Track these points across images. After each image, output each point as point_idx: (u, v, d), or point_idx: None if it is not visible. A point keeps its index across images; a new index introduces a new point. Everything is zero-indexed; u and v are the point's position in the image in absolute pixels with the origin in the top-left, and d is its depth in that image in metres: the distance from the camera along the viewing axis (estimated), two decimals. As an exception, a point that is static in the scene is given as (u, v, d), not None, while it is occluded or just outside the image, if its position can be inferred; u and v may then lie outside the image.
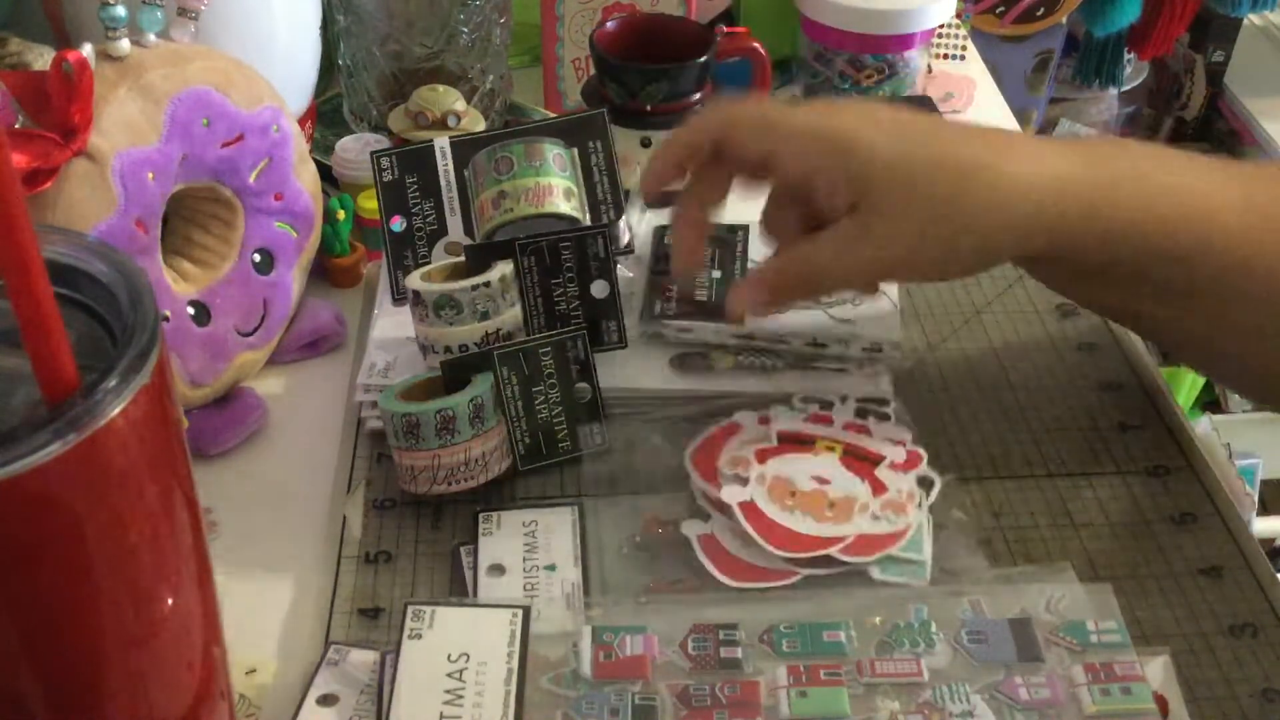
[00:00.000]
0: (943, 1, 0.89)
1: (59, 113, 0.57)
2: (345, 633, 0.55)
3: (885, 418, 0.63)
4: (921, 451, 0.61)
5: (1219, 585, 0.57)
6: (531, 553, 0.57)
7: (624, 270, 0.70)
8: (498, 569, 0.56)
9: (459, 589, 0.56)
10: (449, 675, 0.51)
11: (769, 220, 0.62)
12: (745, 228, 0.72)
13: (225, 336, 0.66)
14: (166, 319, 0.63)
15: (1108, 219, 0.55)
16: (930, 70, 0.98)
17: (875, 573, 0.56)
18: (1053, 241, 0.55)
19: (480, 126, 0.78)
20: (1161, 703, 0.51)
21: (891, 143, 0.55)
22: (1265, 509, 1.57)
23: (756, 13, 0.99)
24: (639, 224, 0.74)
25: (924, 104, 0.92)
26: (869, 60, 0.90)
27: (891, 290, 0.69)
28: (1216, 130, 1.63)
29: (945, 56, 1.01)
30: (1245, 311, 0.56)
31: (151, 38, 0.62)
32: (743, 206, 0.63)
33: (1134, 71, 1.60)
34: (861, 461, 0.60)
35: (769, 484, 0.58)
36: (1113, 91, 1.59)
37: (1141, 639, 0.53)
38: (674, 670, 0.52)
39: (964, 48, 1.02)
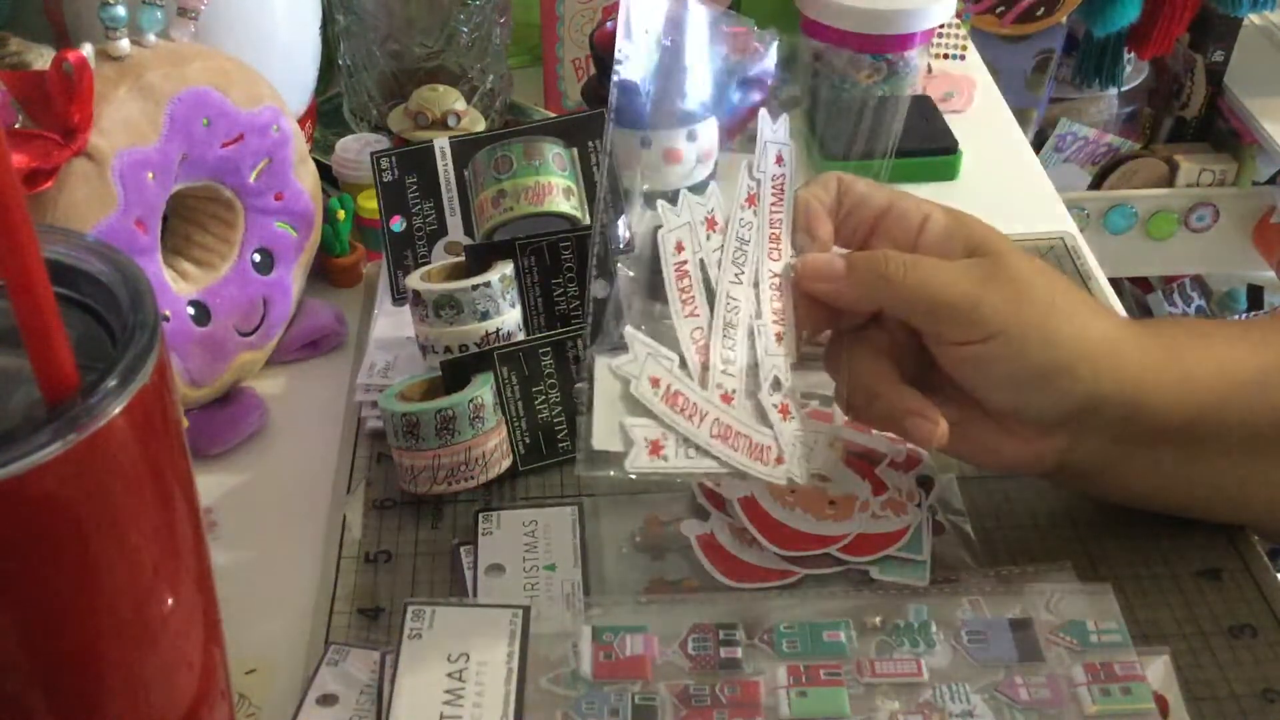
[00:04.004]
0: (943, 1, 0.89)
1: (59, 113, 0.57)
2: (345, 633, 0.55)
3: None
4: (921, 451, 0.61)
5: (1219, 586, 0.57)
6: (531, 553, 0.57)
7: (624, 270, 0.70)
8: (498, 569, 0.56)
9: (459, 589, 0.56)
10: (449, 675, 0.51)
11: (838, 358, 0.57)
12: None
13: (225, 336, 0.66)
14: (166, 319, 0.63)
15: (1191, 374, 0.54)
16: (930, 70, 0.98)
17: (875, 573, 0.56)
18: (1124, 381, 0.53)
19: (480, 126, 0.78)
20: (1161, 703, 0.51)
21: (1010, 244, 0.55)
22: (1265, 509, 1.57)
23: (756, 13, 0.99)
24: (639, 224, 0.74)
25: (924, 104, 0.93)
26: (869, 60, 0.90)
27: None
28: (1216, 130, 1.62)
29: (945, 56, 1.01)
30: None
31: (151, 38, 0.62)
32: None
33: (1134, 71, 1.59)
34: (861, 460, 0.60)
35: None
36: (1113, 91, 1.59)
37: (1141, 639, 0.53)
38: (674, 670, 0.52)
39: (964, 48, 1.02)
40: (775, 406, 0.55)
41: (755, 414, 0.54)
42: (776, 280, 0.56)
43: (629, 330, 0.53)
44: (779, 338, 0.55)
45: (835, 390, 0.57)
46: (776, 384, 0.55)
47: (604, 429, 0.51)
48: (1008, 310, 0.52)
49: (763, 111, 0.59)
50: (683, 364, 0.54)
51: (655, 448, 0.52)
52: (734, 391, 0.54)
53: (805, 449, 0.55)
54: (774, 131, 0.58)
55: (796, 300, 0.56)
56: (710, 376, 0.54)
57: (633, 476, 0.51)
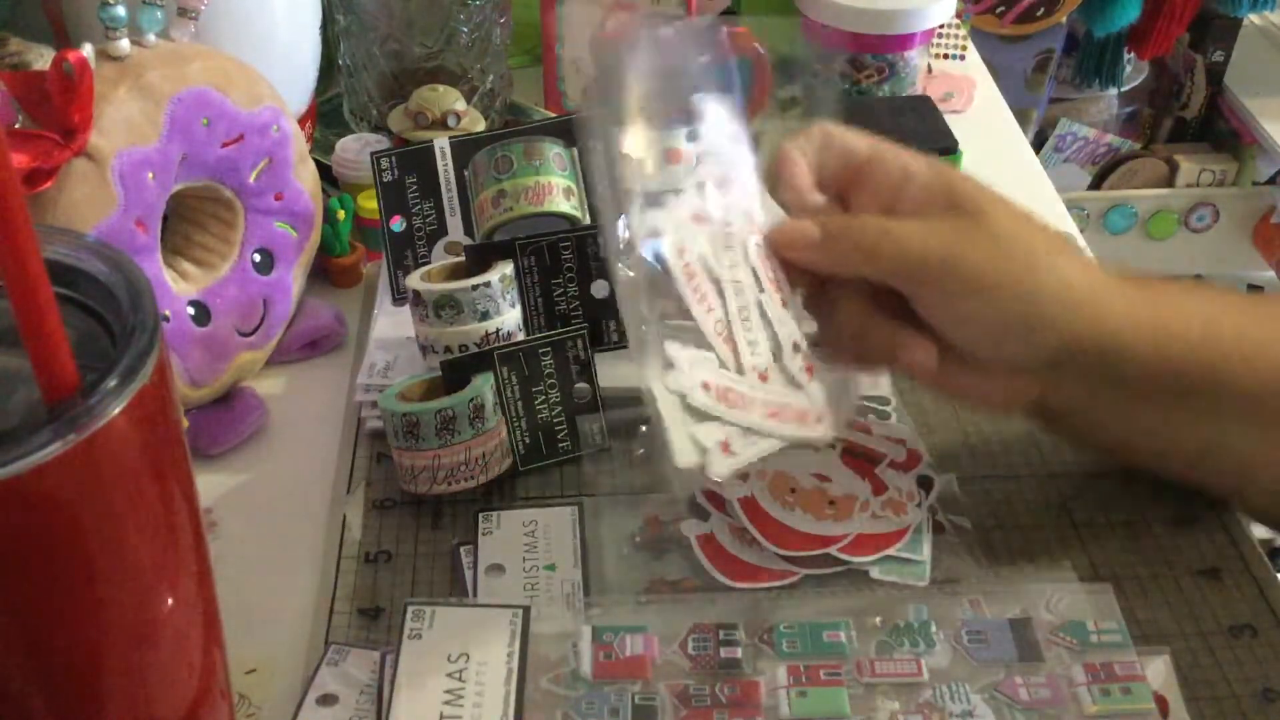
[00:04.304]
0: (943, 1, 0.89)
1: (59, 113, 0.57)
2: (345, 633, 0.55)
3: (885, 416, 0.63)
4: (921, 451, 0.61)
5: (1219, 586, 0.57)
6: (531, 553, 0.57)
7: (624, 270, 0.70)
8: (498, 569, 0.57)
9: (459, 589, 0.56)
10: (449, 675, 0.51)
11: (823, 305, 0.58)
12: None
13: (225, 336, 0.66)
14: (166, 319, 0.63)
15: (1169, 328, 0.54)
16: (930, 70, 0.98)
17: (875, 573, 0.56)
18: (1103, 334, 0.53)
19: (480, 126, 0.78)
20: (1161, 703, 0.51)
21: (989, 191, 0.55)
22: (1265, 509, 1.57)
23: (756, 13, 0.99)
24: (639, 224, 0.74)
25: (924, 104, 0.93)
26: (869, 60, 0.90)
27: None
28: (1216, 130, 1.62)
29: (945, 56, 1.01)
30: None
31: (151, 38, 0.62)
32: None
33: (1134, 71, 1.60)
34: (861, 460, 0.60)
35: (769, 480, 0.58)
36: (1113, 91, 1.59)
37: (1141, 639, 0.53)
38: (674, 670, 0.52)
39: (964, 48, 1.02)
40: (802, 369, 0.55)
41: (787, 382, 0.55)
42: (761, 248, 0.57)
43: (670, 346, 0.53)
44: (783, 303, 0.56)
45: (817, 331, 0.57)
46: (795, 347, 0.56)
47: (681, 447, 0.51)
48: (987, 268, 0.52)
49: (696, 97, 0.59)
50: (720, 361, 0.54)
51: (725, 447, 0.52)
52: (766, 368, 0.55)
53: (833, 400, 0.56)
54: (715, 112, 0.59)
55: (778, 264, 0.57)
56: (743, 361, 0.54)
57: (719, 480, 0.52)
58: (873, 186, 0.56)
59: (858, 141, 0.57)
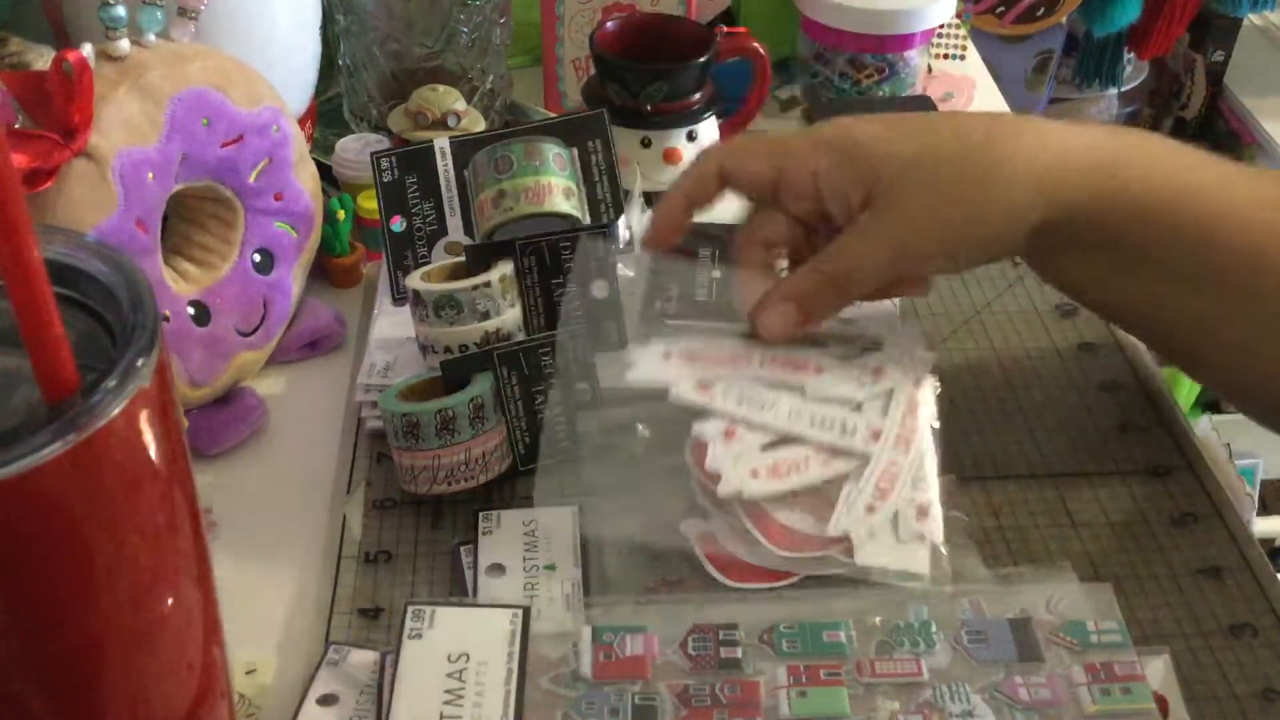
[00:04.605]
0: (943, 1, 0.89)
1: (59, 113, 0.57)
2: (345, 633, 0.55)
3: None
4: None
5: (1219, 585, 0.57)
6: (531, 553, 0.57)
7: (624, 270, 0.70)
8: (498, 569, 0.56)
9: (459, 589, 0.56)
10: (449, 675, 0.51)
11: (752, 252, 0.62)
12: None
13: (225, 336, 0.66)
14: (166, 319, 0.63)
15: (1114, 190, 0.56)
16: (930, 70, 0.98)
17: (875, 573, 0.56)
18: (1053, 212, 0.56)
19: (480, 126, 0.78)
20: (1161, 703, 0.51)
21: (892, 136, 0.57)
22: (1265, 509, 1.57)
23: (756, 13, 0.99)
24: (639, 224, 0.74)
25: (924, 104, 0.93)
26: (869, 60, 0.90)
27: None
28: (1216, 130, 1.62)
29: (945, 56, 1.01)
30: (1248, 304, 0.56)
31: (151, 38, 0.62)
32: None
33: (1134, 71, 1.60)
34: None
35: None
36: (1113, 91, 1.59)
37: (1141, 639, 0.53)
38: (674, 670, 0.52)
39: (964, 48, 1.02)
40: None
41: None
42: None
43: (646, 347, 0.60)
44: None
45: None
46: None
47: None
48: (943, 221, 0.56)
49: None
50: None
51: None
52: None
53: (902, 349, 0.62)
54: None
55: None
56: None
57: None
58: (790, 202, 0.59)
59: (761, 166, 0.59)
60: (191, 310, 0.65)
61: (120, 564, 0.37)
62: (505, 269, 0.62)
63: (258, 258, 0.68)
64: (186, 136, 0.62)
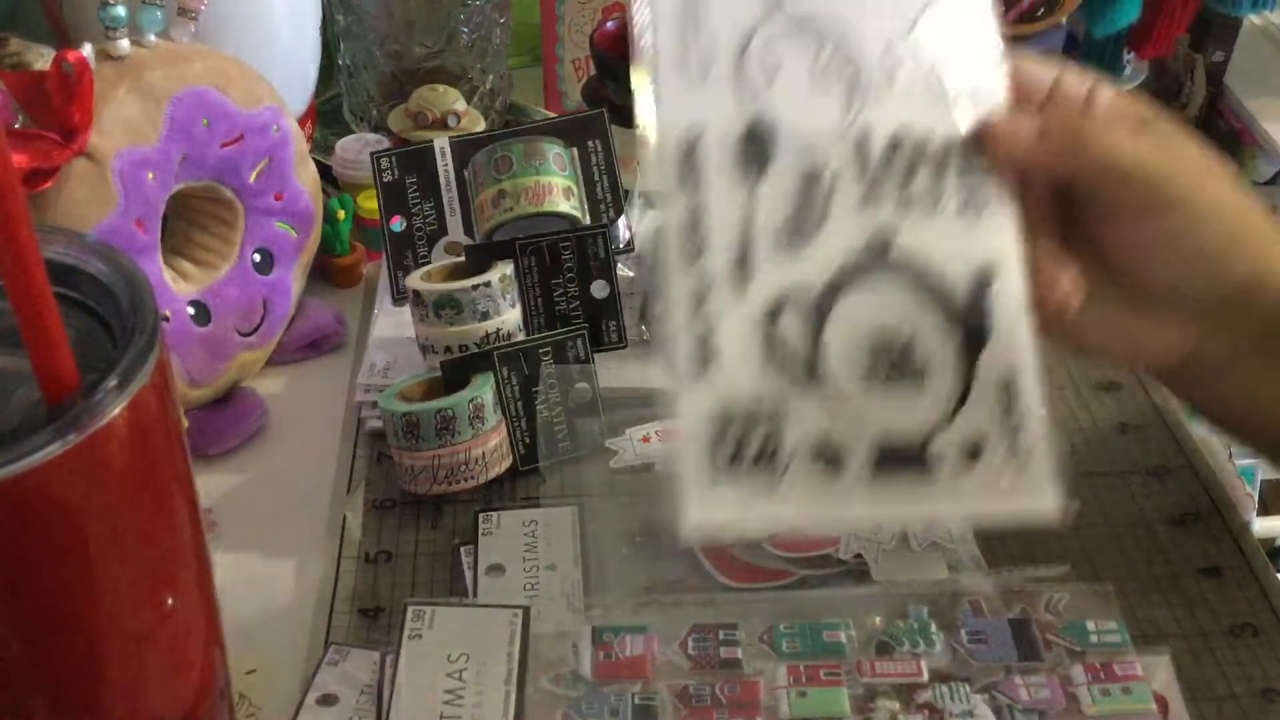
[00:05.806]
0: (943, 1, 0.88)
1: (59, 113, 0.57)
2: (345, 633, 0.55)
3: None
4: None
5: (1219, 585, 0.57)
6: (531, 553, 0.57)
7: (624, 270, 0.70)
8: (498, 569, 0.56)
9: (459, 589, 0.56)
10: (449, 675, 0.51)
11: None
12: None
13: (225, 336, 0.66)
14: (166, 319, 0.63)
15: None
16: (930, 70, 0.98)
17: (875, 573, 0.56)
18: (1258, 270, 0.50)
19: (480, 126, 0.78)
20: (1161, 703, 0.51)
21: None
22: (1265, 509, 1.57)
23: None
24: (639, 224, 0.74)
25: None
26: (869, 60, 0.90)
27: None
28: (1216, 130, 1.62)
29: (945, 56, 1.01)
30: None
31: (151, 38, 0.62)
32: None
33: (1134, 71, 1.59)
34: None
35: None
36: (1113, 91, 1.59)
37: (1141, 639, 0.53)
38: (674, 670, 0.52)
39: (964, 48, 1.02)
40: None
41: None
42: None
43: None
44: None
45: None
46: None
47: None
48: (1194, 184, 0.50)
49: None
50: None
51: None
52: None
53: None
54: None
55: None
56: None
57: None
58: (1062, 110, 0.52)
59: (1041, 66, 0.53)
60: (191, 310, 0.65)
61: (120, 564, 0.37)
62: (505, 269, 0.62)
63: (258, 258, 0.68)
64: (186, 136, 0.62)
